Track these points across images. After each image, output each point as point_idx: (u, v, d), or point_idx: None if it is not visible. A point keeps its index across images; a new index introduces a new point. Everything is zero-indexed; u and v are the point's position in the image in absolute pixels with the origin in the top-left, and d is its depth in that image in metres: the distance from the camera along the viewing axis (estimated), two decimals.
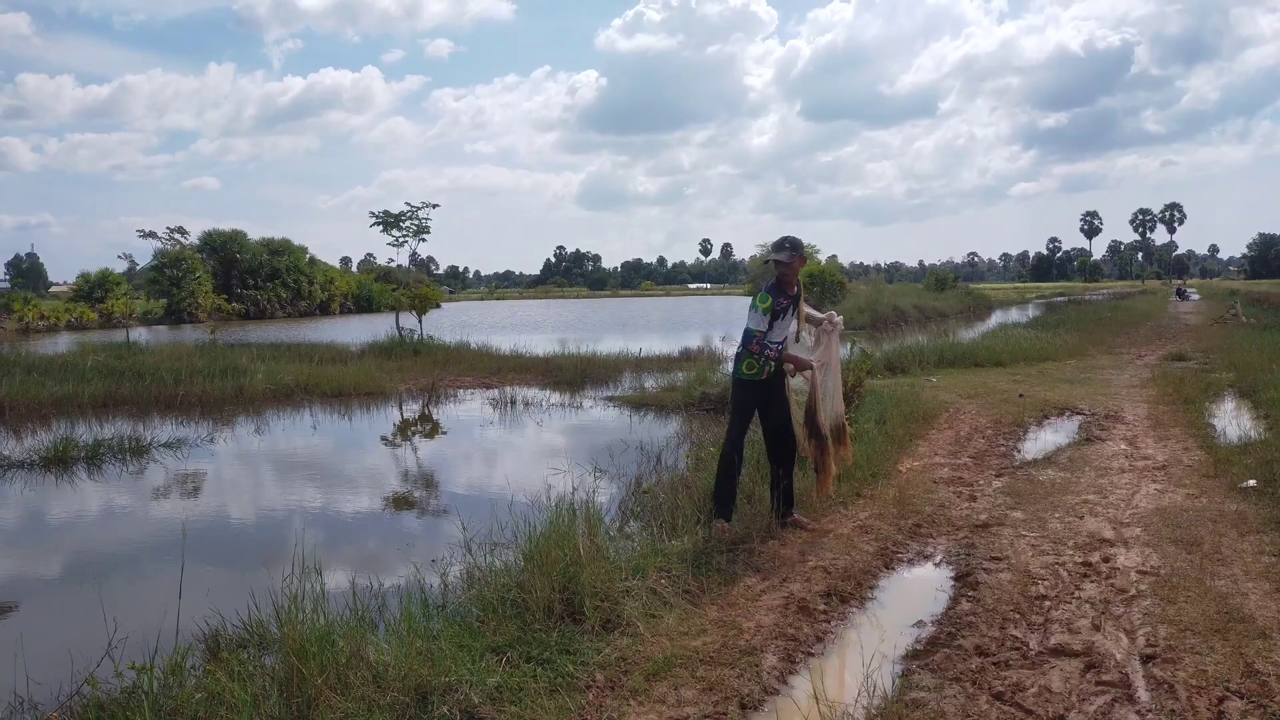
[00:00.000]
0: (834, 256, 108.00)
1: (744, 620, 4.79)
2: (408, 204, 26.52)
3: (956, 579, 5.46)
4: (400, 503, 8.79)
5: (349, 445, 11.93)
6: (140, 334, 36.46)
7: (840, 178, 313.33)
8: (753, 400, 6.39)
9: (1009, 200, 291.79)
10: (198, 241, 58.80)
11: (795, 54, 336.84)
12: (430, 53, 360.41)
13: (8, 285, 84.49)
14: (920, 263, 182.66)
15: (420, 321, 26.98)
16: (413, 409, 15.39)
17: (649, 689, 4.01)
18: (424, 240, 27.04)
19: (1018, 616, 4.78)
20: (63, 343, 31.16)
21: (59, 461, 10.57)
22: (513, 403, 15.42)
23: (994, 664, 4.23)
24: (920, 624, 4.79)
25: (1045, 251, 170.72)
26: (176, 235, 53.85)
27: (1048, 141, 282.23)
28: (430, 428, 13.92)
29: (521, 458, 10.76)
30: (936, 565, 5.78)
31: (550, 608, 4.63)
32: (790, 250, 6.13)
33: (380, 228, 26.56)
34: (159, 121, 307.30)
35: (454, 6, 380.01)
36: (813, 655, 4.44)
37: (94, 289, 55.31)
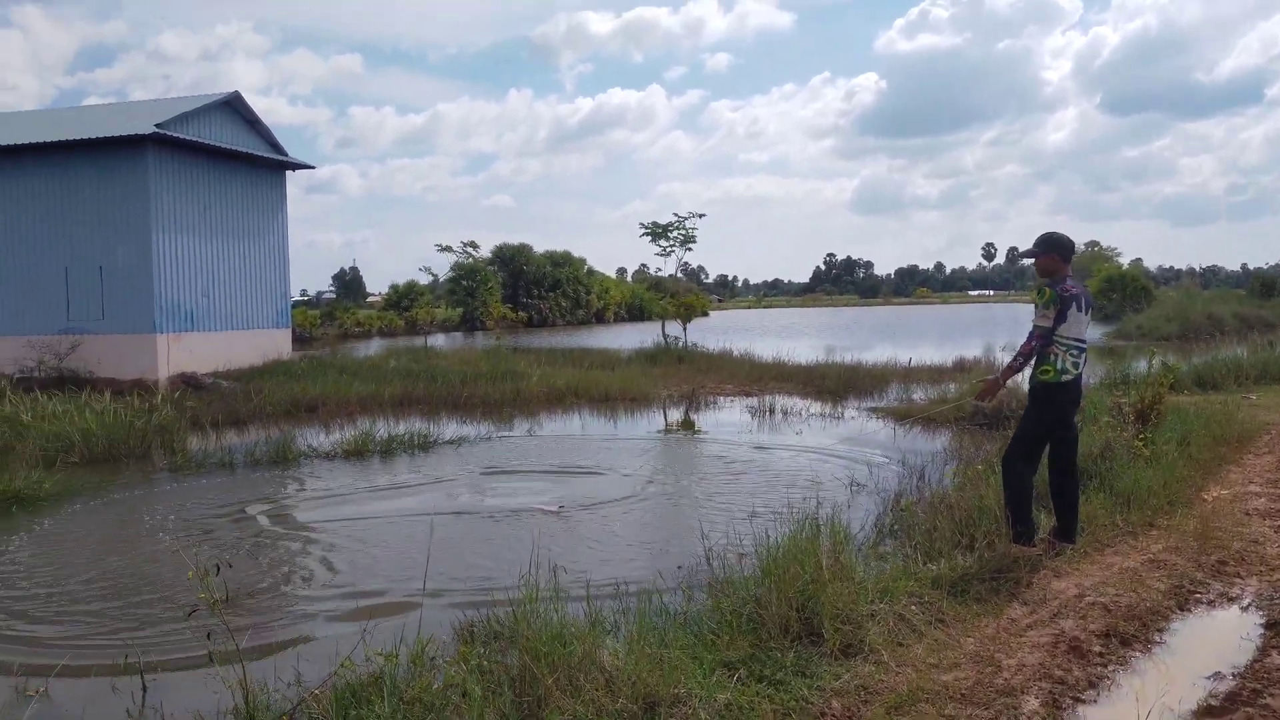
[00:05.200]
0: (1139, 260, 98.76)
1: (1004, 657, 4.35)
2: (675, 215, 27.00)
3: (1267, 627, 4.67)
4: (645, 508, 8.87)
5: (610, 448, 12.26)
6: (438, 339, 39.97)
7: (1148, 174, 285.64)
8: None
9: None
10: (489, 254, 63.59)
11: (1099, 43, 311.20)
12: (710, 67, 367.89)
13: (333, 295, 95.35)
14: (1243, 266, 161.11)
15: (685, 329, 27.48)
16: (674, 415, 15.63)
17: None
18: (690, 249, 27.48)
19: None
20: (373, 347, 34.80)
21: (357, 454, 11.71)
22: (771, 411, 15.25)
23: None
24: (1218, 676, 4.13)
25: None
26: (469, 249, 58.43)
27: None
28: (688, 435, 14.04)
29: (777, 468, 10.56)
30: (1243, 610, 4.98)
31: (786, 626, 4.43)
32: (1035, 247, 5.98)
33: (650, 238, 27.31)
34: (464, 145, 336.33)
35: (735, 21, 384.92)
36: (1083, 702, 3.94)
37: (401, 298, 61.86)
